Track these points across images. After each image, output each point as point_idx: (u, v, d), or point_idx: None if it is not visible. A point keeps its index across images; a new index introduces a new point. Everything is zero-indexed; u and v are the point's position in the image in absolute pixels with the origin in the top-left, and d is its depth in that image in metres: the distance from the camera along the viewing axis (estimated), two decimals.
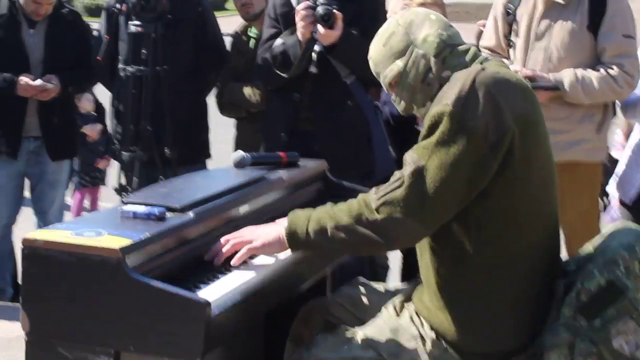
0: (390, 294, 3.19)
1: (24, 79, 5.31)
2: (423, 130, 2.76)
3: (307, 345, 3.03)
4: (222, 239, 2.94)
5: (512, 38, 4.81)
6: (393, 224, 2.71)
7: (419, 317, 2.95)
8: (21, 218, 5.77)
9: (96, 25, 5.30)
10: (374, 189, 2.81)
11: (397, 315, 3.01)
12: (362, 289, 3.30)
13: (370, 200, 2.76)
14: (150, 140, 4.94)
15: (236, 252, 2.91)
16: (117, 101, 5.22)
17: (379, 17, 4.62)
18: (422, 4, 4.99)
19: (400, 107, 2.99)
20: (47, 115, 5.49)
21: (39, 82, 5.33)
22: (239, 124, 5.58)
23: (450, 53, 2.88)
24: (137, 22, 4.92)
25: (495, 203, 2.74)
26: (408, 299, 3.05)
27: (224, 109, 5.55)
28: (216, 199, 3.08)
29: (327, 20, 4.61)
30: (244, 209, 3.19)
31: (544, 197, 2.84)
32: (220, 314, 2.55)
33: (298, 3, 4.71)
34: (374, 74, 3.06)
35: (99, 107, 8.03)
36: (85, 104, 7.83)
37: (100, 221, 2.83)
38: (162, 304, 2.49)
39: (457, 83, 2.73)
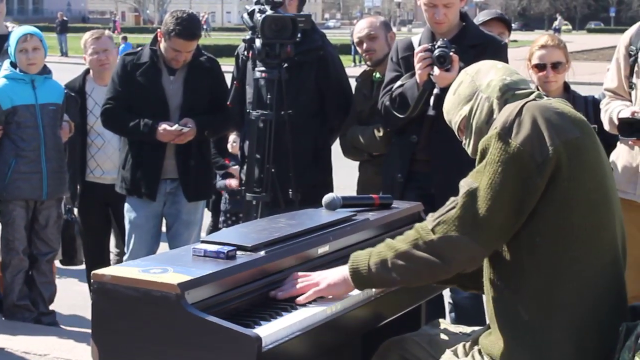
0: (466, 336, 3.21)
1: (162, 126, 5.53)
2: (477, 157, 2.87)
3: None
4: (292, 277, 3.04)
5: (634, 80, 4.73)
6: (448, 243, 2.81)
7: (481, 355, 2.96)
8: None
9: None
10: (430, 214, 2.90)
11: (465, 355, 3.03)
12: (441, 329, 3.33)
13: (426, 223, 2.88)
14: (273, 182, 5.09)
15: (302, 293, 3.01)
16: (243, 144, 5.40)
17: None
18: (543, 47, 5.01)
19: (469, 150, 3.08)
20: (184, 158, 5.70)
21: (176, 126, 5.55)
22: (361, 167, 5.68)
23: (512, 95, 2.97)
24: (262, 68, 5.09)
25: (544, 223, 2.79)
26: (476, 340, 3.07)
27: (347, 151, 5.66)
28: (293, 239, 3.18)
29: (443, 63, 4.68)
30: (323, 249, 3.27)
31: (598, 222, 2.84)
32: (274, 349, 2.64)
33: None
34: (447, 122, 3.17)
35: None
36: (236, 147, 8.04)
37: (172, 259, 2.98)
38: (216, 338, 2.61)
39: (506, 111, 2.87)
